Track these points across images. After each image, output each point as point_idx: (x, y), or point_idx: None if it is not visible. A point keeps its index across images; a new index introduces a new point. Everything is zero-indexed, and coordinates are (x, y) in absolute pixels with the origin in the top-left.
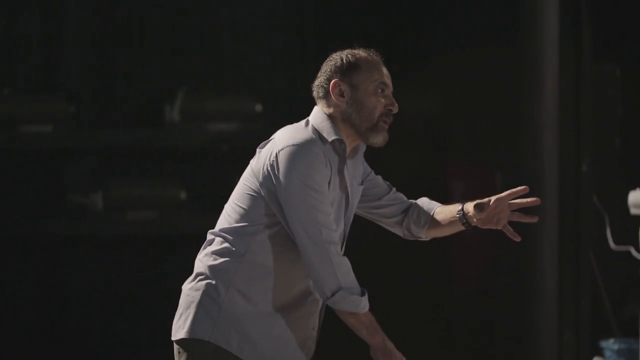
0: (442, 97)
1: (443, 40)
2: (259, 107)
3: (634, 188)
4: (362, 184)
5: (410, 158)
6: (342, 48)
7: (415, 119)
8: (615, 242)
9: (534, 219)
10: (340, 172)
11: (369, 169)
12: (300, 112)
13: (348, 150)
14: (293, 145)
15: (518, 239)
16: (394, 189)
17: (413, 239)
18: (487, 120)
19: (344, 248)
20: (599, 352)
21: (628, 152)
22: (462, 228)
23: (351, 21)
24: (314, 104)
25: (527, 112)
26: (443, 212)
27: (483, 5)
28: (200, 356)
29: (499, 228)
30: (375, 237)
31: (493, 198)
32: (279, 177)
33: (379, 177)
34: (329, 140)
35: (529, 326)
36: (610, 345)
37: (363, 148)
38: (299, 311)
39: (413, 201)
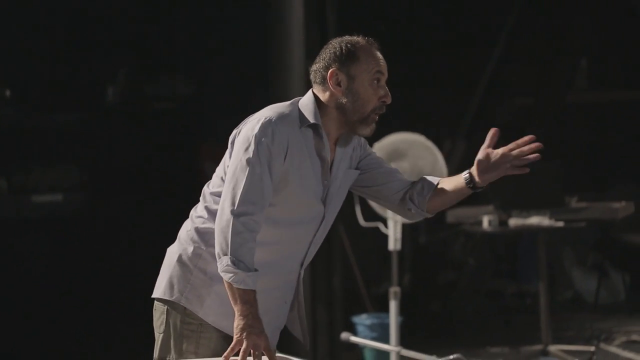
0: (195, 84)
1: (197, 27)
2: (7, 93)
3: None
4: (357, 168)
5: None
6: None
7: (169, 102)
8: (365, 219)
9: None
10: (320, 155)
11: (369, 151)
12: (53, 98)
13: (334, 136)
14: (260, 118)
15: (526, 171)
16: (397, 169)
17: (417, 216)
18: (236, 100)
19: (320, 229)
20: (352, 327)
21: None
22: (468, 192)
23: (111, 18)
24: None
25: (275, 93)
26: (448, 180)
27: None
28: (172, 316)
29: (502, 175)
30: None
31: (495, 152)
32: (235, 143)
33: (381, 161)
34: (310, 122)
35: None
36: (363, 320)
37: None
38: (270, 280)
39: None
